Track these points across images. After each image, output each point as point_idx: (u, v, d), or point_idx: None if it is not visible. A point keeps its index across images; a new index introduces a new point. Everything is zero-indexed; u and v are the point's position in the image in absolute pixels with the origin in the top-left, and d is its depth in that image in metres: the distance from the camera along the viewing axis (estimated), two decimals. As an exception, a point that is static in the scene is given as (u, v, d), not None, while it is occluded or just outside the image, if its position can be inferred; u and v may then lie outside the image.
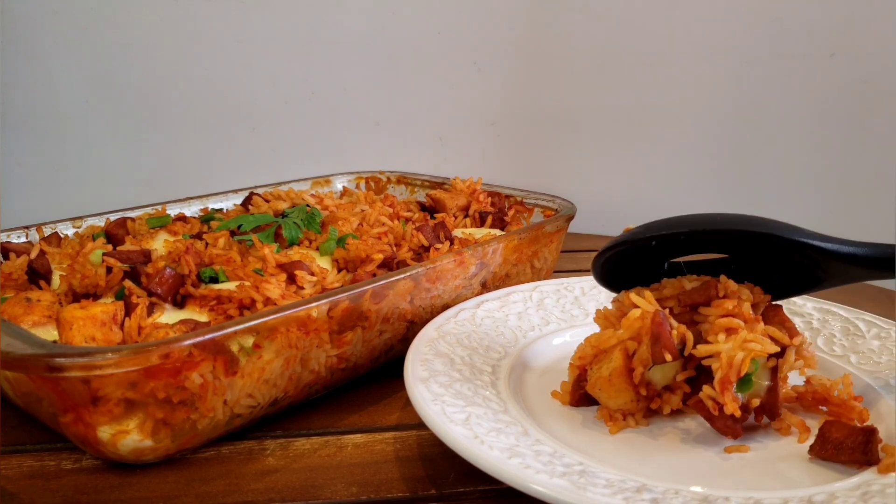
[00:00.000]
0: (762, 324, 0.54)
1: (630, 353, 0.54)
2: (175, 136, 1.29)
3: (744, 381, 0.51)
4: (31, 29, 1.20)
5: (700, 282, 0.57)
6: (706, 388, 0.51)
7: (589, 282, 0.77)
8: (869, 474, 0.47)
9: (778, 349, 0.52)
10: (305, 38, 1.26)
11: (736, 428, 0.52)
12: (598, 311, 0.60)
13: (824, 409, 0.57)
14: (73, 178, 1.29)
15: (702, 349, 0.52)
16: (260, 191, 0.94)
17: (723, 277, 0.57)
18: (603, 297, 0.74)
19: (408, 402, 0.52)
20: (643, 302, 0.55)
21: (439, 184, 1.02)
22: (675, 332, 0.54)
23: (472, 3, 1.23)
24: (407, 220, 0.84)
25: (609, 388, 0.54)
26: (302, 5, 1.24)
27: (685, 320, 0.56)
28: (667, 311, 0.55)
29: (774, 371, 0.53)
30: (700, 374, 0.56)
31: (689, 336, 0.54)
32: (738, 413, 0.51)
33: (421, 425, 0.50)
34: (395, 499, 0.50)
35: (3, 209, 1.09)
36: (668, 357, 0.53)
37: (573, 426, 0.55)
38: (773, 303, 0.57)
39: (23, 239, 0.76)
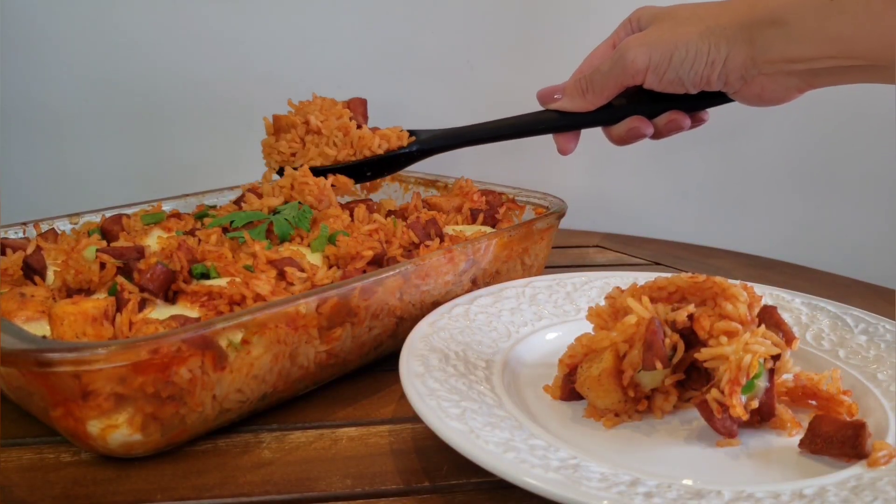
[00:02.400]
0: (759, 326, 0.55)
1: (621, 355, 0.54)
2: (173, 134, 1.29)
3: (747, 384, 0.51)
4: (29, 27, 1.20)
5: (693, 280, 0.58)
6: (714, 391, 0.51)
7: (580, 278, 0.77)
8: (859, 468, 0.48)
9: (779, 351, 0.53)
10: (301, 37, 1.26)
11: (733, 428, 0.52)
12: (590, 308, 0.60)
13: (813, 403, 0.57)
14: (71, 176, 1.28)
15: (706, 352, 0.53)
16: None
17: (718, 278, 0.57)
18: (594, 294, 0.75)
19: (402, 396, 0.53)
20: (639, 307, 0.55)
21: (433, 181, 1.02)
22: (667, 341, 0.54)
23: (466, 3, 1.23)
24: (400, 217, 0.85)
25: (598, 387, 0.54)
26: (297, 4, 1.24)
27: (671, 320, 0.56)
28: (659, 305, 0.56)
29: (772, 373, 0.53)
30: (689, 377, 0.56)
31: (681, 345, 0.55)
32: (745, 416, 0.51)
33: (415, 418, 0.50)
34: (389, 491, 0.50)
35: (3, 206, 1.09)
36: (659, 366, 0.53)
37: (567, 420, 0.56)
38: (766, 304, 0.58)
39: (20, 235, 0.76)
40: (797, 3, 0.65)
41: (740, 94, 0.72)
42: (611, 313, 0.58)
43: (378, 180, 1.06)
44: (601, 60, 0.77)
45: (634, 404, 0.56)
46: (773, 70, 0.68)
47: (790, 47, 0.66)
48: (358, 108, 0.91)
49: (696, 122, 0.79)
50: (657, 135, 0.78)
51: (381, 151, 0.83)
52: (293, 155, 0.84)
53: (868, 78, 0.66)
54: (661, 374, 0.55)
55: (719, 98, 0.75)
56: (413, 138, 0.85)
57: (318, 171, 0.83)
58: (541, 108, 0.82)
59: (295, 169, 0.83)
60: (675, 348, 0.55)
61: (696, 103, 0.76)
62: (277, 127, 0.86)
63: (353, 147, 0.83)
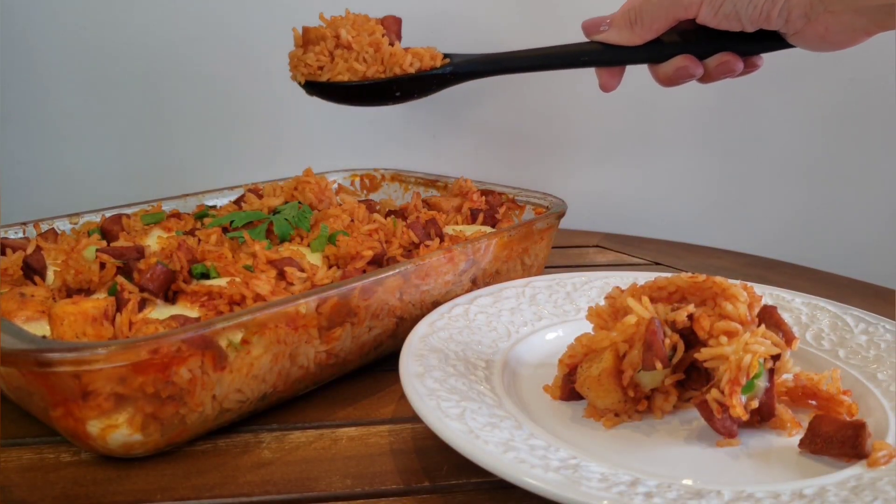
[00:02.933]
0: (759, 326, 0.55)
1: (621, 355, 0.54)
2: (173, 134, 1.29)
3: (747, 384, 0.51)
4: (29, 27, 1.20)
5: (693, 280, 0.58)
6: (714, 391, 0.51)
7: (581, 278, 0.77)
8: (859, 468, 0.48)
9: (779, 351, 0.53)
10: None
11: (733, 428, 0.52)
12: (590, 308, 0.60)
13: (813, 403, 0.57)
14: (71, 175, 1.28)
15: (706, 352, 0.53)
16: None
17: (718, 278, 0.57)
18: (594, 294, 0.75)
19: (402, 396, 0.53)
20: (639, 307, 0.55)
21: (433, 181, 1.02)
22: (667, 341, 0.54)
23: (466, 3, 1.24)
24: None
25: (598, 387, 0.54)
26: (297, 3, 1.24)
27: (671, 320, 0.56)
28: (660, 305, 0.56)
29: (772, 373, 0.53)
30: (689, 377, 0.56)
31: (681, 345, 0.55)
32: (745, 416, 0.51)
33: (415, 418, 0.50)
34: (389, 491, 0.50)
35: (3, 206, 1.09)
36: (659, 366, 0.53)
37: (567, 420, 0.56)
38: (766, 304, 0.58)
39: (20, 235, 0.76)
40: None
41: (801, 36, 0.65)
42: (611, 313, 0.58)
43: (380, 181, 1.07)
44: None
45: (634, 404, 0.56)
46: (841, 7, 0.61)
47: None
48: (392, 26, 0.84)
49: (749, 67, 0.72)
50: (707, 77, 0.72)
51: (412, 70, 0.78)
52: (321, 68, 0.80)
53: None
54: (661, 374, 0.55)
55: (776, 41, 0.68)
56: (447, 60, 0.79)
57: (345, 86, 0.79)
58: (585, 40, 0.75)
59: (323, 82, 0.80)
60: (674, 348, 0.55)
61: (751, 46, 0.70)
62: (306, 39, 0.82)
63: (384, 64, 0.78)
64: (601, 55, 0.73)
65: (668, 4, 0.68)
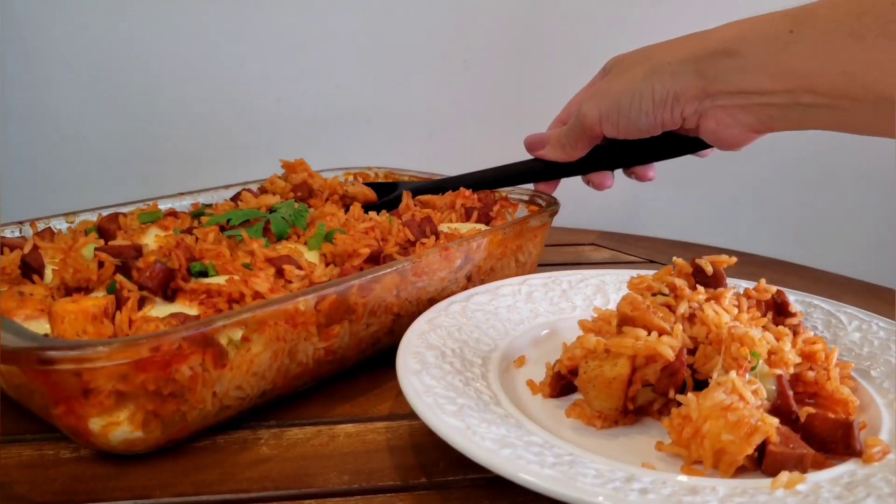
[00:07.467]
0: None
1: (634, 367, 0.54)
2: (170, 133, 1.29)
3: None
4: (29, 27, 1.20)
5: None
6: None
7: (576, 275, 0.77)
8: (853, 464, 0.48)
9: (775, 344, 0.53)
10: (298, 37, 1.27)
11: None
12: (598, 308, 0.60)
13: (811, 401, 0.57)
14: (68, 175, 1.28)
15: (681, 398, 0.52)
16: (252, 186, 0.94)
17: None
18: (590, 292, 0.75)
19: (399, 393, 0.53)
20: (671, 340, 0.54)
21: (426, 179, 1.02)
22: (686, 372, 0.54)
23: (463, 3, 1.24)
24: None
25: (605, 388, 0.54)
26: (295, 4, 1.24)
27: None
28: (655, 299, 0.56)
29: (780, 378, 0.53)
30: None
31: (691, 382, 0.55)
32: None
33: (412, 415, 0.51)
34: (386, 487, 0.51)
35: (3, 206, 1.09)
36: (672, 394, 0.53)
37: (562, 417, 0.56)
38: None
39: (17, 234, 0.76)
40: (752, 33, 0.62)
41: (701, 131, 0.69)
42: (615, 318, 0.58)
43: (374, 179, 1.07)
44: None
45: (623, 416, 0.55)
46: (729, 102, 0.64)
47: (745, 78, 0.62)
48: None
49: (701, 155, 0.80)
50: (639, 178, 0.82)
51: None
52: None
53: (832, 121, 0.61)
54: (653, 396, 0.55)
55: (698, 141, 0.73)
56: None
57: None
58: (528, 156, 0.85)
59: None
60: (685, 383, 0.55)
61: (675, 147, 0.77)
62: None
63: None
64: (540, 174, 0.85)
65: (577, 129, 0.75)
